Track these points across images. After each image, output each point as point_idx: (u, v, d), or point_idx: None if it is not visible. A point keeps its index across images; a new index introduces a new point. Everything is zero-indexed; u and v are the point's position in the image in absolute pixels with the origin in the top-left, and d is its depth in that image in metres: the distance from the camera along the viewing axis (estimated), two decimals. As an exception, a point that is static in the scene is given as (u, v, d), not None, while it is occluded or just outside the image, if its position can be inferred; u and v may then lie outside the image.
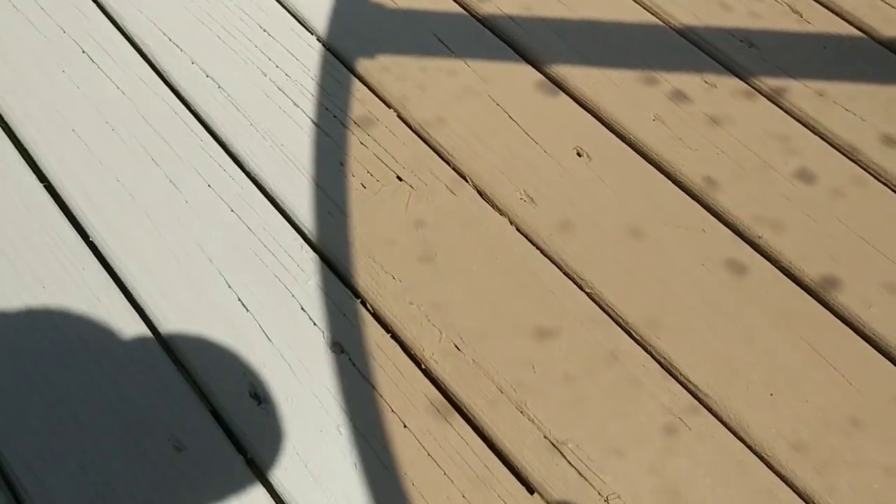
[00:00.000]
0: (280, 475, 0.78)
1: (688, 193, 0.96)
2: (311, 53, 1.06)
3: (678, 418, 0.81)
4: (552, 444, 0.80)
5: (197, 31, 1.08)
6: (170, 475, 0.77)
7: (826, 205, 0.94)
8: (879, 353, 0.85)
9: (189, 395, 0.82)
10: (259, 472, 0.78)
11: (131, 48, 1.06)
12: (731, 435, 0.80)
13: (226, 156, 0.98)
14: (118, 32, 1.08)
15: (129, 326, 0.85)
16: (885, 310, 0.87)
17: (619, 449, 0.79)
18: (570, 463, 0.79)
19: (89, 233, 0.92)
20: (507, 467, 0.79)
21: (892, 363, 0.84)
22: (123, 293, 0.88)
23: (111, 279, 0.89)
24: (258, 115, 1.01)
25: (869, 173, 0.97)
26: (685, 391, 0.83)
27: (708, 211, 0.94)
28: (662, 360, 0.84)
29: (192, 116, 1.01)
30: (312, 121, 1.00)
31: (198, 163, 0.97)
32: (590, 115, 1.02)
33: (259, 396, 0.82)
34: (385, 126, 1.00)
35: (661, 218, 0.93)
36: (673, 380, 0.83)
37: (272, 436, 0.80)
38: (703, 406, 0.82)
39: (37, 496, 0.76)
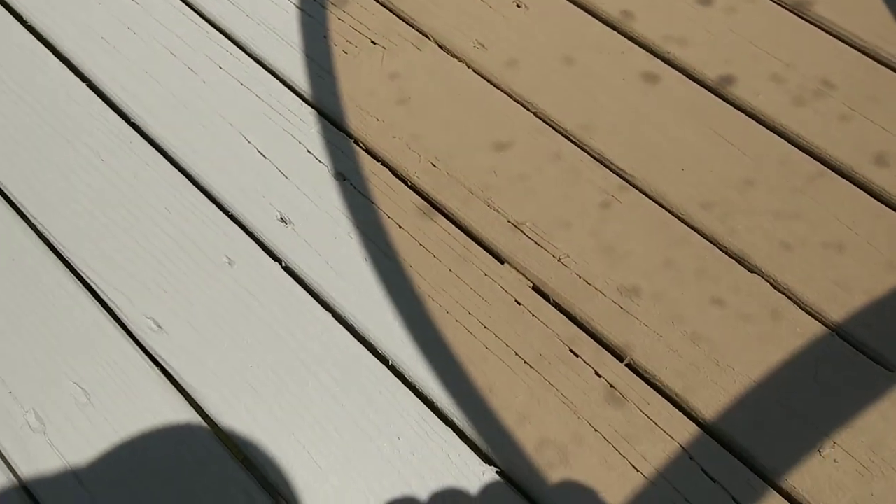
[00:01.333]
0: (309, 273, 1.01)
1: (609, 25, 1.17)
2: (288, -48, 1.26)
3: (611, 196, 1.04)
4: (514, 225, 1.03)
5: (190, -55, 1.28)
6: (227, 282, 1.01)
7: (722, 20, 1.16)
8: (766, 128, 1.07)
9: (230, 225, 1.05)
10: (293, 273, 1.02)
11: (137, -34, 1.27)
12: (653, 203, 1.03)
13: (230, 43, 1.19)
14: (124, -45, 1.28)
15: (175, 181, 1.08)
16: (770, 96, 1.09)
17: (566, 222, 1.03)
18: (528, 237, 1.02)
19: (130, 116, 1.14)
20: (481, 246, 1.02)
21: (777, 134, 1.06)
22: (167, 158, 1.10)
23: (154, 149, 1.11)
24: (252, 8, 1.22)
25: (758, -8, 1.18)
26: (615, 175, 1.05)
27: (625, 37, 1.16)
28: (596, 155, 1.07)
29: (198, 16, 1.22)
30: (296, 6, 1.21)
31: (208, 51, 1.18)
32: (525, -26, 1.22)
33: (285, 219, 1.05)
34: (357, 3, 1.21)
35: (588, 47, 1.15)
36: (605, 168, 1.06)
37: (299, 246, 1.03)
38: (630, 184, 1.05)
39: (110, 292, 1.00)
